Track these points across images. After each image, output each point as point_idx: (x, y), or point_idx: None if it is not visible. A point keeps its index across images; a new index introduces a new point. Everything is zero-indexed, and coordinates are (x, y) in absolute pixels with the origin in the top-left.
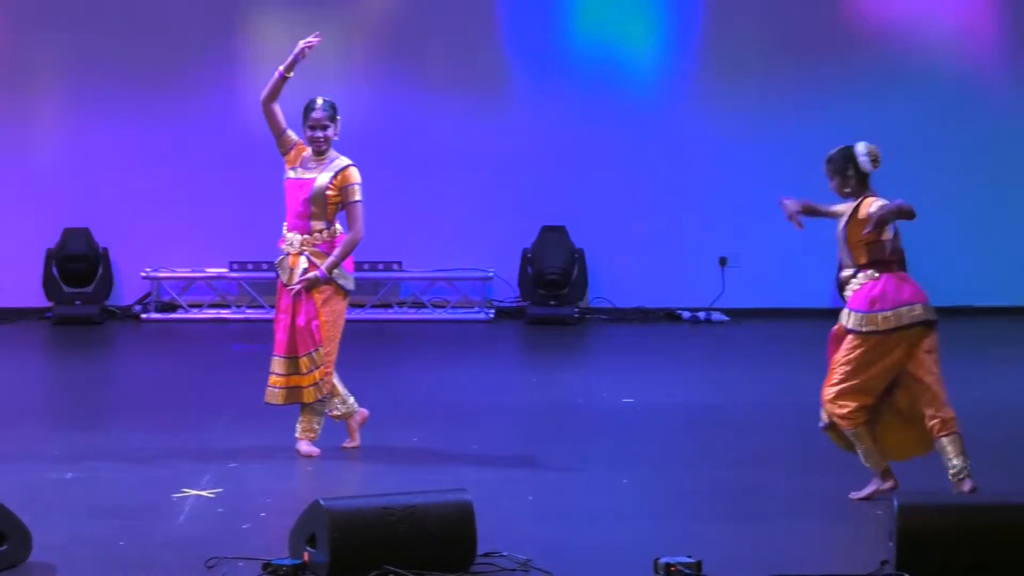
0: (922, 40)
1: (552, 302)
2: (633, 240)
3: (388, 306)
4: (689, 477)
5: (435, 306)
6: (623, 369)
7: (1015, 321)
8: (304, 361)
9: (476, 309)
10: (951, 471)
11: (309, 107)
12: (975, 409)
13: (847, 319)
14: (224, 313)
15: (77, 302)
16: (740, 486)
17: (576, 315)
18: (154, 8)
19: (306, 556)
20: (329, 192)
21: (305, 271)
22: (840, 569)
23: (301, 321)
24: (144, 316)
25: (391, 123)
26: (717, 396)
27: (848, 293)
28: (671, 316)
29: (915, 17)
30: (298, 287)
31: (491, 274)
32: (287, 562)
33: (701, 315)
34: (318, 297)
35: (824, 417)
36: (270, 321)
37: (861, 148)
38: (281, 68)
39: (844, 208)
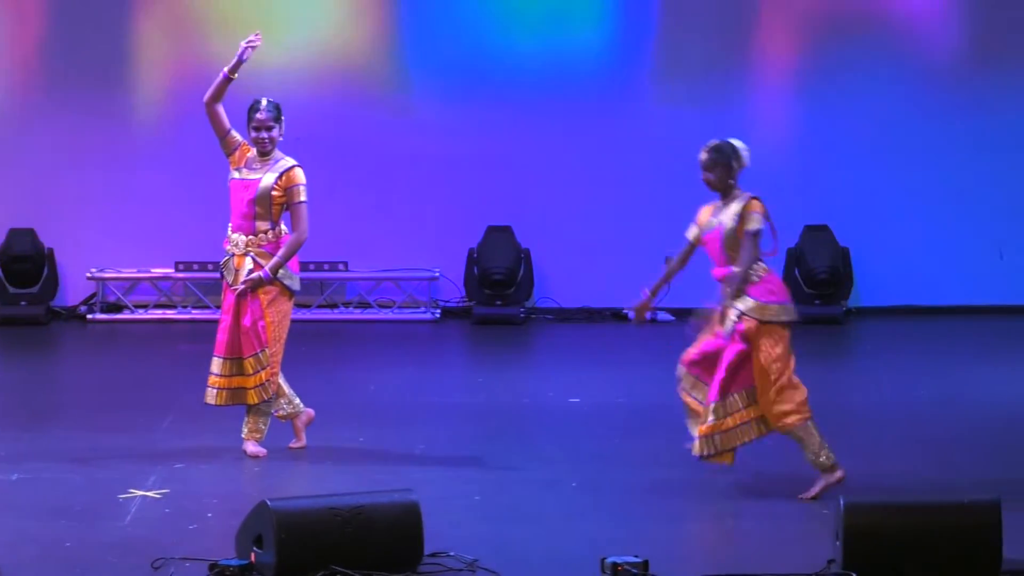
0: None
1: (498, 302)
2: (579, 240)
3: (334, 306)
4: (636, 476)
5: (381, 306)
6: (569, 369)
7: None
8: (249, 362)
9: (422, 309)
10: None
11: (254, 108)
12: (928, 408)
13: (759, 312)
14: (170, 313)
15: (22, 303)
16: (686, 485)
17: (522, 315)
18: (99, 5)
19: (253, 556)
20: (274, 193)
21: (250, 272)
22: (787, 568)
23: (247, 322)
24: (90, 317)
25: (334, 122)
26: (663, 396)
27: (730, 289)
28: (617, 316)
29: (870, 9)
30: (243, 287)
31: (437, 274)
32: (234, 562)
33: (647, 315)
34: (264, 298)
35: (703, 449)
36: (216, 322)
37: (740, 143)
38: (225, 69)
39: (714, 212)
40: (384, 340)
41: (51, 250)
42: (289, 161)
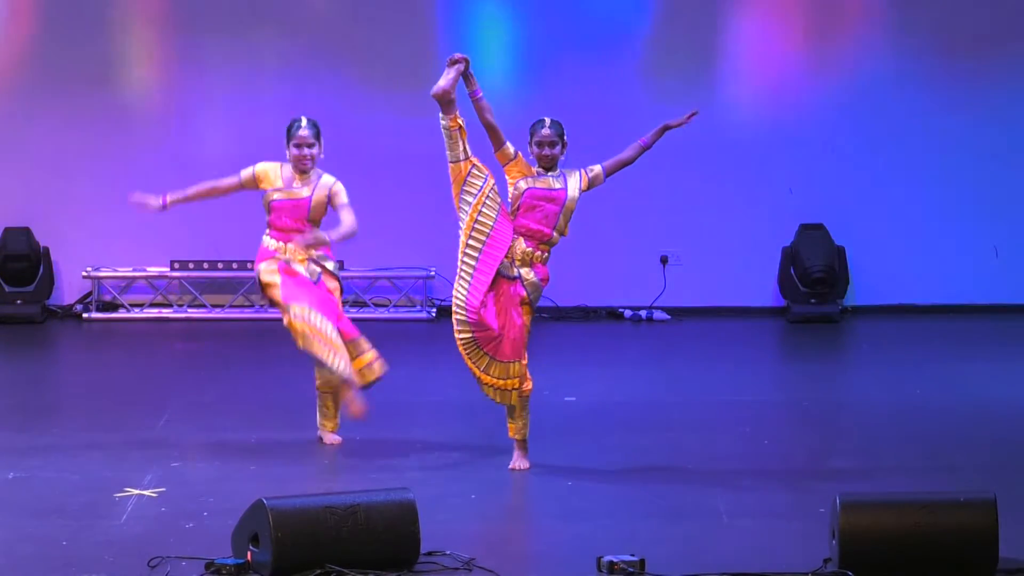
0: None
1: None
2: (574, 239)
3: None
4: (631, 475)
5: (377, 305)
6: (564, 367)
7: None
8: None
9: (417, 308)
10: None
11: (293, 126)
12: (924, 406)
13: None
14: (165, 312)
15: (18, 302)
16: (682, 484)
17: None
18: (95, 5)
19: (249, 555)
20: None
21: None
22: (783, 567)
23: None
24: (86, 316)
25: (335, 122)
26: (659, 394)
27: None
28: (613, 315)
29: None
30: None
31: (433, 273)
32: (230, 561)
33: (643, 313)
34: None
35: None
36: (212, 320)
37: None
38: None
39: (557, 181)
40: (380, 338)
41: (46, 249)
42: (330, 178)
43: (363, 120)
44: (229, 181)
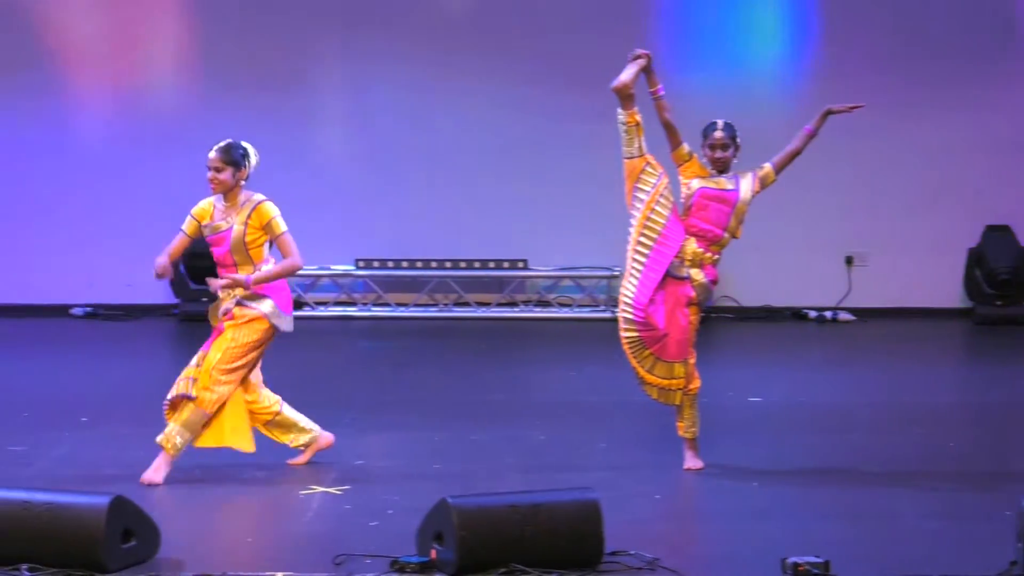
0: None
1: None
2: (758, 239)
3: (514, 304)
4: (815, 476)
5: (561, 304)
6: (749, 368)
7: None
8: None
9: (601, 307)
10: None
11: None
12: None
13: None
14: (350, 310)
15: (204, 299)
16: (866, 485)
17: (702, 314)
18: (280, 5)
19: (433, 553)
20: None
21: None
22: (968, 569)
23: None
24: None
25: (524, 126)
26: (843, 395)
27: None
28: (797, 315)
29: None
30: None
31: (617, 272)
32: (414, 559)
33: (827, 314)
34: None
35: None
36: (396, 318)
37: None
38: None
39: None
40: (564, 338)
41: None
42: (258, 197)
43: (551, 125)
44: (178, 240)
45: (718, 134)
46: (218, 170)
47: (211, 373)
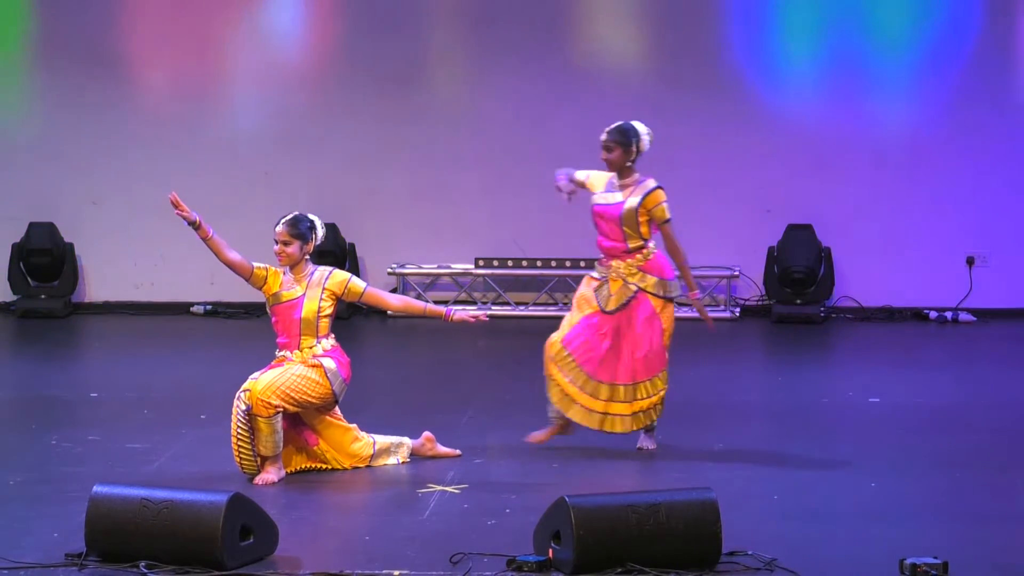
0: None
1: (798, 301)
2: (880, 238)
3: None
4: (935, 477)
5: (681, 304)
6: (869, 368)
7: None
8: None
9: (721, 307)
10: None
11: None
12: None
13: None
14: (470, 309)
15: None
16: (985, 487)
17: (822, 314)
18: (402, 4)
19: (551, 552)
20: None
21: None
22: None
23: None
24: (390, 312)
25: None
26: (963, 396)
27: None
28: (918, 316)
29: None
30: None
31: (737, 272)
32: (532, 558)
33: (948, 315)
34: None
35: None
36: (515, 318)
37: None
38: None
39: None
40: (682, 338)
41: (352, 245)
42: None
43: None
44: (237, 259)
45: (603, 136)
46: (286, 243)
47: None
